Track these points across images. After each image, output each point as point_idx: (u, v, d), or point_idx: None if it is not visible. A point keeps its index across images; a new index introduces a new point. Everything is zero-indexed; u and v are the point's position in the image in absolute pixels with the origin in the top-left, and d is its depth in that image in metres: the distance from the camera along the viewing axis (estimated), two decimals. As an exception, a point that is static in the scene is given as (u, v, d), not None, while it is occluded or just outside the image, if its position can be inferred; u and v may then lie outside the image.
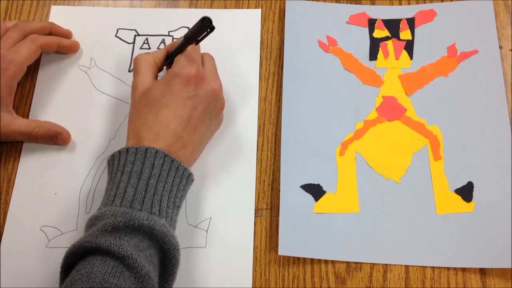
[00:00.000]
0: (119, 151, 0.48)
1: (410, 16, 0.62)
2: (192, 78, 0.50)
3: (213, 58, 0.56)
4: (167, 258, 0.44)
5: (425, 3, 0.63)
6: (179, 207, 0.48)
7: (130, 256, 0.40)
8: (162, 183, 0.46)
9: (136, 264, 0.40)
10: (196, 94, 0.50)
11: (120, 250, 0.40)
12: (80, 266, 0.41)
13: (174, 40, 0.56)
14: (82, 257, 0.41)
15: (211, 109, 0.52)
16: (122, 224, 0.42)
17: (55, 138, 0.55)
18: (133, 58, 0.53)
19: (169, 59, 0.54)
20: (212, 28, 0.48)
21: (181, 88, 0.49)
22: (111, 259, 0.40)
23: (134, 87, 0.51)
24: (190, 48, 0.52)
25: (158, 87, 0.50)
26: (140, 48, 0.62)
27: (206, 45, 0.61)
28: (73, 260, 0.42)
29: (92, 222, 0.44)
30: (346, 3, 0.63)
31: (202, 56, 0.55)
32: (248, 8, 0.64)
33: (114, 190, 0.45)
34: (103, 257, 0.40)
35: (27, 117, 0.58)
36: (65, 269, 0.42)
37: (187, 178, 0.49)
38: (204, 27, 0.47)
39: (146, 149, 0.46)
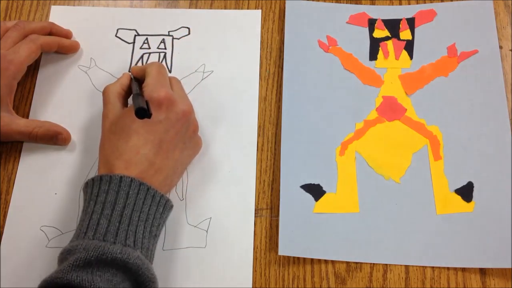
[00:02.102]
0: (93, 179, 0.47)
1: (410, 16, 0.62)
2: (162, 102, 0.49)
3: (180, 82, 0.55)
4: None
5: (425, 3, 0.63)
6: (156, 236, 0.47)
7: None
8: (137, 212, 0.45)
9: None
10: (166, 118, 0.49)
11: (92, 286, 0.39)
12: None
13: (139, 66, 0.56)
14: None
15: (183, 133, 0.51)
16: (95, 258, 0.41)
17: (55, 138, 0.55)
18: (103, 90, 0.53)
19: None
20: (149, 116, 0.48)
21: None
22: None
23: (104, 116, 0.51)
24: (157, 71, 0.52)
25: (127, 114, 0.49)
26: (140, 48, 0.62)
27: (207, 45, 0.62)
28: None
29: (64, 256, 0.43)
30: (346, 3, 0.63)
31: (170, 79, 0.54)
32: (248, 8, 0.64)
33: (87, 221, 0.44)
34: None
35: (27, 117, 0.58)
36: None
37: (164, 206, 0.48)
38: (139, 117, 0.48)
39: (121, 177, 0.45)
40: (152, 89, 0.49)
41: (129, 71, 0.60)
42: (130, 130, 0.48)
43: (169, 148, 0.49)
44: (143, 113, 0.47)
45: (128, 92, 0.54)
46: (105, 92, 0.52)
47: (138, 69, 0.55)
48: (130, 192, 0.45)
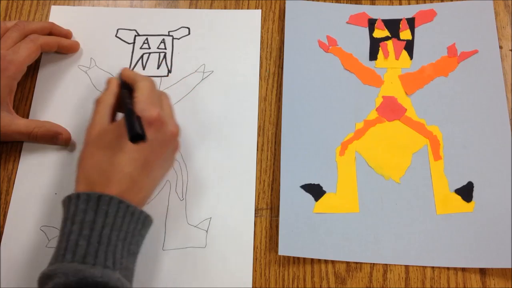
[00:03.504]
0: (69, 197, 0.45)
1: (410, 16, 0.62)
2: (153, 122, 0.47)
3: (169, 98, 0.53)
4: None
5: (425, 3, 0.63)
6: (135, 253, 0.46)
7: None
8: (116, 231, 0.44)
9: None
10: (155, 138, 0.47)
11: None
12: None
13: (131, 72, 0.53)
14: None
15: (169, 153, 0.50)
16: (75, 283, 0.40)
17: (55, 138, 0.55)
18: (96, 99, 0.51)
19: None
20: (145, 141, 0.44)
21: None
22: None
23: (91, 127, 0.49)
24: (150, 89, 0.50)
25: (114, 129, 0.47)
26: (140, 48, 0.62)
27: (207, 45, 0.62)
28: None
29: (43, 281, 0.42)
30: (346, 3, 0.63)
31: (160, 96, 0.52)
32: (248, 8, 0.64)
33: (65, 243, 0.43)
34: None
35: (27, 117, 0.58)
36: None
37: (144, 222, 0.47)
38: (134, 143, 0.44)
39: (99, 196, 0.44)
40: (143, 107, 0.47)
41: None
42: (115, 146, 0.46)
43: (153, 167, 0.48)
44: (139, 138, 0.44)
45: (117, 103, 0.52)
46: (99, 103, 0.51)
47: (128, 76, 0.53)
48: (109, 211, 0.44)
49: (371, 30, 0.62)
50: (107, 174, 0.46)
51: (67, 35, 0.61)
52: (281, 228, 0.52)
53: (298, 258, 0.52)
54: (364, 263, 0.52)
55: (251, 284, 0.51)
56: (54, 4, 0.64)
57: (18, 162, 0.56)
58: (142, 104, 0.48)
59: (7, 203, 0.54)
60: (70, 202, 0.45)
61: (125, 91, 0.51)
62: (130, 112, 0.46)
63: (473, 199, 0.53)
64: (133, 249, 0.45)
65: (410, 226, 0.52)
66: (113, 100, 0.51)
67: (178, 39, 0.62)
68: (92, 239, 0.43)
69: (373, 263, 0.52)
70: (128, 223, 0.45)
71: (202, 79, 0.60)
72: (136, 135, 0.44)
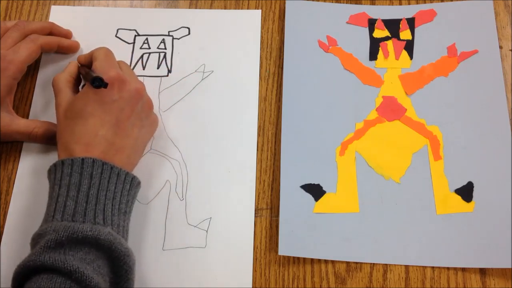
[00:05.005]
0: (55, 165, 0.47)
1: (410, 16, 0.62)
2: (114, 81, 0.49)
3: (128, 65, 0.56)
4: (118, 266, 0.43)
5: (425, 3, 0.63)
6: (126, 212, 0.47)
7: (77, 270, 0.39)
8: (103, 191, 0.45)
9: (84, 277, 0.39)
10: (120, 97, 0.49)
11: (65, 265, 0.39)
12: None
13: (85, 54, 0.56)
14: (28, 277, 0.40)
15: (139, 110, 0.51)
16: (65, 238, 0.41)
17: (55, 139, 0.55)
18: (52, 80, 0.53)
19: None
20: (105, 86, 0.47)
21: (104, 93, 0.48)
22: (57, 276, 0.39)
23: (57, 105, 0.51)
24: (105, 54, 0.52)
25: (80, 98, 0.49)
26: (140, 48, 0.62)
27: (207, 45, 0.62)
28: (20, 281, 0.41)
29: (35, 241, 0.43)
30: (346, 3, 0.63)
31: (118, 62, 0.54)
32: (248, 8, 0.64)
33: (53, 205, 0.44)
34: (49, 275, 0.39)
35: (27, 117, 0.58)
36: None
37: (131, 183, 0.48)
38: (96, 86, 0.47)
39: (83, 159, 0.45)
40: (101, 71, 0.50)
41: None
42: (85, 113, 0.48)
43: (126, 126, 0.50)
44: (99, 81, 0.47)
45: (77, 79, 0.54)
46: (54, 82, 0.53)
47: (84, 56, 0.55)
48: (94, 173, 0.45)
49: (371, 30, 0.62)
50: (84, 140, 0.47)
51: (67, 35, 0.61)
52: (281, 228, 0.52)
53: (298, 258, 0.52)
54: (364, 263, 0.52)
55: (251, 284, 0.51)
56: (54, 4, 0.64)
57: (18, 162, 0.56)
58: (100, 69, 0.50)
59: (7, 203, 0.54)
60: (56, 169, 0.46)
61: (83, 65, 0.55)
62: (87, 72, 0.50)
63: (473, 199, 0.53)
64: (122, 208, 0.47)
65: (410, 226, 0.52)
66: (69, 77, 0.53)
67: (178, 39, 0.62)
68: (79, 199, 0.44)
69: (373, 263, 0.52)
70: (114, 183, 0.46)
71: (202, 79, 0.60)
72: (96, 78, 0.47)
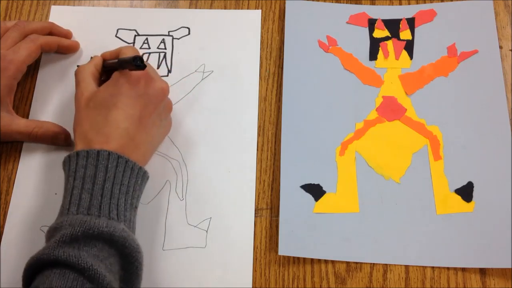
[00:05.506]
0: (69, 156, 0.46)
1: (410, 16, 0.62)
2: (141, 77, 0.49)
3: (152, 66, 0.55)
4: (129, 263, 0.43)
5: (425, 3, 0.63)
6: (136, 207, 0.48)
7: (90, 267, 0.39)
8: (117, 185, 0.45)
9: (97, 275, 0.39)
10: (145, 93, 0.49)
11: (79, 261, 0.39)
12: (39, 281, 0.39)
13: (111, 50, 0.55)
14: (41, 271, 0.40)
15: (161, 109, 0.52)
16: (81, 233, 0.41)
17: (55, 138, 0.55)
18: (75, 71, 0.53)
19: (105, 68, 0.54)
20: (144, 67, 0.47)
21: (130, 87, 0.48)
22: (70, 272, 0.39)
23: (79, 94, 0.50)
24: (133, 51, 0.52)
25: (105, 89, 0.49)
26: (140, 48, 0.62)
27: (207, 45, 0.62)
28: (32, 273, 0.41)
29: (50, 234, 0.43)
30: (346, 3, 0.63)
31: None
32: (248, 8, 0.64)
33: (68, 198, 0.44)
34: (62, 270, 0.39)
35: (27, 117, 0.58)
36: (25, 283, 0.41)
37: (142, 177, 0.48)
38: (136, 66, 0.47)
39: (98, 151, 0.45)
40: None
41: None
42: (109, 104, 0.48)
43: (147, 123, 0.50)
44: (141, 61, 0.46)
45: (101, 72, 0.54)
46: (78, 71, 0.52)
47: (110, 52, 0.55)
48: (109, 166, 0.45)
49: (371, 30, 0.62)
50: (104, 131, 0.47)
51: (67, 35, 0.61)
52: (281, 228, 0.52)
53: (298, 258, 0.52)
54: (364, 263, 0.52)
55: (251, 284, 0.51)
56: (54, 4, 0.64)
57: (18, 162, 0.56)
58: None
59: (7, 203, 0.54)
60: (70, 161, 0.46)
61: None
62: (126, 57, 0.48)
63: (473, 199, 0.53)
64: (134, 202, 0.47)
65: (410, 226, 0.52)
66: (94, 69, 0.53)
67: (178, 39, 0.62)
68: (95, 192, 0.44)
69: (373, 263, 0.52)
70: (128, 177, 0.46)
71: (202, 79, 0.60)
72: (137, 57, 0.46)
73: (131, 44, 0.62)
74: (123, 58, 0.49)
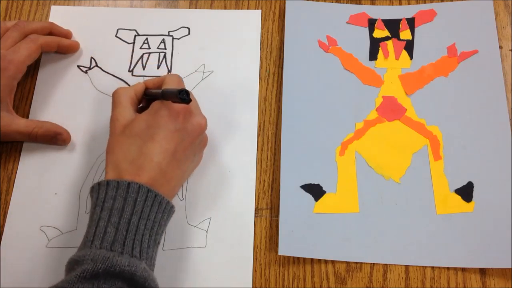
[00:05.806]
0: (99, 184, 0.45)
1: (410, 16, 0.62)
2: (181, 111, 0.48)
3: (195, 98, 0.53)
4: None
5: (425, 3, 0.63)
6: (159, 243, 0.47)
7: None
8: (144, 220, 0.44)
9: None
10: (183, 128, 0.48)
11: None
12: None
13: (153, 77, 0.54)
14: None
15: (196, 145, 0.51)
16: (102, 270, 0.40)
17: (55, 138, 0.55)
18: (113, 91, 0.51)
19: (147, 96, 0.53)
20: (189, 101, 0.45)
21: (169, 120, 0.47)
22: None
23: (114, 119, 0.49)
24: (177, 82, 0.51)
25: (143, 118, 0.48)
26: (140, 48, 0.62)
27: (207, 45, 0.62)
28: None
29: (71, 266, 0.42)
30: (346, 3, 0.63)
31: None
32: (248, 8, 0.64)
33: (93, 229, 0.43)
34: None
35: (27, 117, 0.58)
36: None
37: (169, 212, 0.47)
38: (181, 99, 0.45)
39: (129, 183, 0.44)
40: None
41: (129, 71, 0.60)
42: (146, 135, 0.47)
43: (181, 158, 0.48)
44: (187, 94, 0.45)
45: (140, 99, 0.53)
46: (115, 94, 0.51)
47: (153, 80, 0.53)
48: (138, 199, 0.44)
49: (371, 30, 0.62)
50: (137, 163, 0.46)
51: (67, 35, 0.61)
52: (281, 228, 0.52)
53: (298, 258, 0.52)
54: (364, 263, 0.52)
55: (251, 284, 0.51)
56: (54, 4, 0.64)
57: (18, 162, 0.56)
58: None
59: (7, 203, 0.54)
60: (100, 189, 0.45)
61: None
62: (171, 89, 0.47)
63: (473, 199, 0.53)
64: (157, 238, 0.46)
65: (410, 226, 0.52)
66: (133, 94, 0.51)
67: (178, 39, 0.62)
68: (121, 226, 0.43)
69: (373, 263, 0.52)
70: (155, 212, 0.45)
71: (202, 79, 0.60)
72: (183, 90, 0.45)
73: (131, 44, 0.62)
74: (169, 90, 0.47)
